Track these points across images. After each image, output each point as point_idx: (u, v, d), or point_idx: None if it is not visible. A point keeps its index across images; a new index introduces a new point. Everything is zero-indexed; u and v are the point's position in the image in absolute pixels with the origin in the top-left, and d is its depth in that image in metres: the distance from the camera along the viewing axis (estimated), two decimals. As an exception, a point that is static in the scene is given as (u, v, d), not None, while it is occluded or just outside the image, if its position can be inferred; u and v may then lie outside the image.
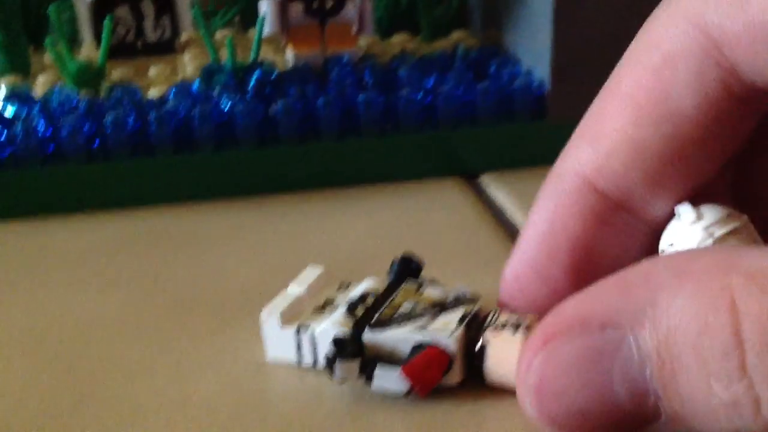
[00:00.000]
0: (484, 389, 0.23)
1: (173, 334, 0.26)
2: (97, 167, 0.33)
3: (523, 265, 0.23)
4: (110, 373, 0.24)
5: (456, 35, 0.43)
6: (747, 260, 0.17)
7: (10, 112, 0.34)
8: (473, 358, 0.22)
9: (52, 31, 0.39)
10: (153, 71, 0.39)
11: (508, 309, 0.23)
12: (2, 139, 0.33)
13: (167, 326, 0.27)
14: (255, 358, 0.25)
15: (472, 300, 0.24)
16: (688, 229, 0.21)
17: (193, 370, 0.25)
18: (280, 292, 0.25)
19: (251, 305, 0.27)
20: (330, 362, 0.22)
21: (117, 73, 0.39)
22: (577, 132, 0.22)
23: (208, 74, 0.37)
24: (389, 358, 0.22)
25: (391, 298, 0.24)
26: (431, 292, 0.24)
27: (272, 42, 0.42)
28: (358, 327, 0.23)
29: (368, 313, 0.23)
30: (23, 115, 0.34)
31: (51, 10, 0.36)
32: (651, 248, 0.22)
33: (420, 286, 0.25)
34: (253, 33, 0.41)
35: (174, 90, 0.35)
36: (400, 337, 0.22)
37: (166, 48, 0.41)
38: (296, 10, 0.38)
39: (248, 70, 0.37)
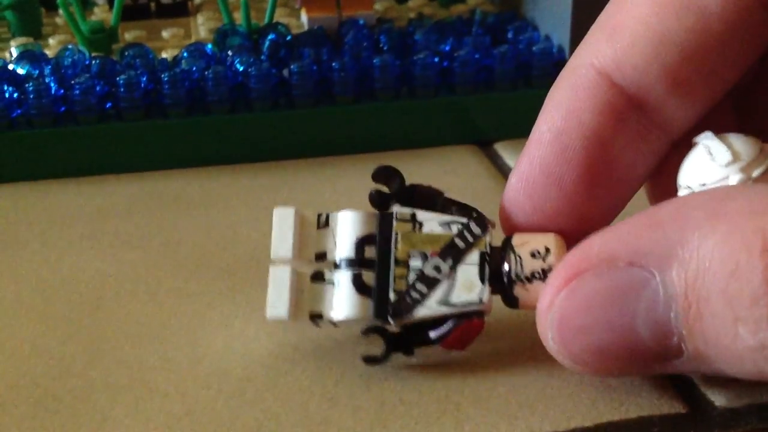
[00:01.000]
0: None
1: (185, 296, 0.26)
2: (109, 128, 0.33)
3: (532, 166, 0.22)
4: (121, 334, 0.24)
5: (474, 0, 0.42)
6: None
7: (21, 72, 0.34)
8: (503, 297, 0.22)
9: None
10: (166, 34, 0.39)
11: (519, 228, 0.22)
12: (14, 98, 0.33)
13: (179, 287, 0.26)
14: (266, 320, 0.24)
15: (481, 228, 0.22)
16: (724, 171, 0.20)
17: (205, 331, 0.24)
18: (270, 269, 0.22)
19: (262, 269, 0.27)
20: (373, 361, 0.22)
21: (130, 35, 0.38)
22: (596, 25, 0.21)
23: (222, 37, 0.37)
24: (422, 327, 0.22)
25: (393, 251, 0.22)
26: (430, 226, 0.22)
27: (287, 4, 0.41)
28: (381, 310, 0.22)
29: (381, 283, 0.22)
30: (35, 75, 0.34)
31: (63, -31, 0.36)
32: (663, 157, 0.22)
33: (413, 219, 0.22)
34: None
35: (187, 52, 0.35)
36: (429, 316, 0.21)
37: (180, 10, 0.40)
38: (312, -28, 0.38)
39: (262, 32, 0.36)
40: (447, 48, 0.36)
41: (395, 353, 0.22)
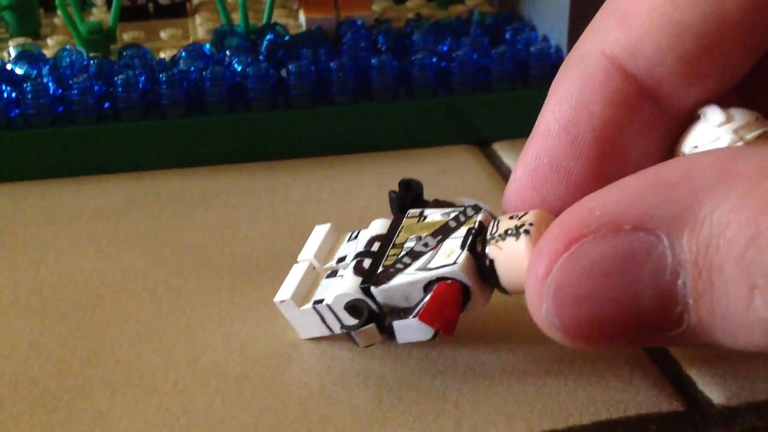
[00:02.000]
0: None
1: (183, 295, 0.26)
2: (107, 128, 0.33)
3: (538, 159, 0.21)
4: (119, 334, 0.24)
5: (472, 1, 0.42)
6: None
7: (20, 72, 0.34)
8: (488, 277, 0.20)
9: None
10: (164, 34, 0.39)
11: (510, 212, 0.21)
12: (12, 98, 0.33)
13: (177, 287, 0.26)
14: (264, 319, 0.24)
15: (475, 211, 0.22)
16: (716, 132, 0.19)
17: (203, 330, 0.24)
18: (293, 266, 0.24)
19: (260, 268, 0.27)
20: (349, 333, 0.21)
21: (128, 36, 0.38)
22: (603, 11, 0.21)
23: (220, 37, 0.37)
24: (407, 306, 0.21)
25: (395, 238, 0.22)
26: (432, 217, 0.22)
27: (285, 5, 0.41)
28: (366, 285, 0.22)
29: (375, 263, 0.22)
30: (33, 75, 0.34)
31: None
32: (670, 145, 0.21)
33: (422, 214, 0.23)
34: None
35: (185, 52, 0.35)
36: (406, 282, 0.21)
37: (178, 11, 0.40)
38: (310, -28, 0.38)
39: (260, 33, 0.36)
40: (445, 48, 0.36)
41: (372, 323, 0.21)
